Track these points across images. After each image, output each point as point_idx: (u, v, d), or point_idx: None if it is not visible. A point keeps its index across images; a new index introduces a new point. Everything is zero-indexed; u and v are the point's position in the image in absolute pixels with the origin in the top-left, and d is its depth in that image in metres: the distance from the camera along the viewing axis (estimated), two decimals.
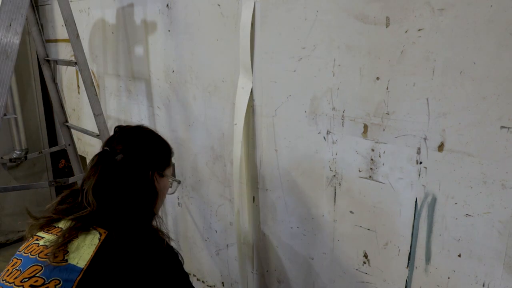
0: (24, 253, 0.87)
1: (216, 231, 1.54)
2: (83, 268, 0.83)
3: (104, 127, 1.64)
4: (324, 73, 1.02)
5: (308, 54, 1.05)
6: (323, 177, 1.10)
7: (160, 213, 1.03)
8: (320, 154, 1.09)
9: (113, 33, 1.85)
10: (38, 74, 2.50)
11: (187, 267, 1.87)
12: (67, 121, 2.04)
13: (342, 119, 1.02)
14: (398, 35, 0.87)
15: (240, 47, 1.22)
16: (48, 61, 2.07)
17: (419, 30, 0.84)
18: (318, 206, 1.13)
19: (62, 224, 0.90)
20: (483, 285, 0.85)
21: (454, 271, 0.89)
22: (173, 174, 1.69)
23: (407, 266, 0.97)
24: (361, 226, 1.04)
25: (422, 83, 0.85)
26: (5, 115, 1.95)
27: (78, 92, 2.29)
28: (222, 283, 1.58)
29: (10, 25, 1.43)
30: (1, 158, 2.38)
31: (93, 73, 2.01)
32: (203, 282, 1.69)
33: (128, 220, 0.91)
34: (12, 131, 2.36)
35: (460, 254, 0.87)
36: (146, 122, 1.75)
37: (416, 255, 0.95)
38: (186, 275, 0.96)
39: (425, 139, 0.87)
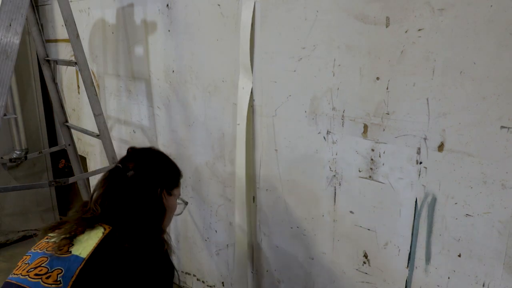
0: (34, 249, 0.93)
1: (216, 231, 1.54)
2: (84, 258, 0.87)
3: (104, 127, 1.64)
4: (324, 73, 1.02)
5: (308, 54, 1.05)
6: (323, 177, 1.10)
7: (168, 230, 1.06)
8: (320, 154, 1.09)
9: (113, 33, 1.85)
10: (38, 74, 2.50)
11: (187, 267, 1.88)
12: (67, 121, 2.04)
13: (342, 119, 1.02)
14: (398, 35, 0.87)
15: (240, 47, 1.22)
16: (48, 61, 2.07)
17: (419, 30, 0.84)
18: (318, 206, 1.13)
19: (69, 225, 0.94)
20: (483, 285, 0.85)
21: (454, 271, 0.89)
22: None
23: (407, 266, 0.97)
24: (361, 226, 1.04)
25: (422, 83, 0.85)
26: (5, 115, 1.94)
27: (78, 92, 2.29)
28: (222, 283, 1.58)
29: (10, 25, 1.43)
30: (1, 158, 2.38)
31: (93, 73, 2.01)
32: (203, 282, 1.69)
33: (135, 222, 0.95)
34: (12, 131, 2.36)
35: (460, 254, 0.87)
36: (146, 122, 1.75)
37: (416, 255, 0.95)
38: None
39: (425, 139, 0.87)
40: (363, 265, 1.06)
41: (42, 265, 0.89)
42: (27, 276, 0.87)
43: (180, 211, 1.15)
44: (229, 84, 1.30)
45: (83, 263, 0.87)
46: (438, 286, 0.92)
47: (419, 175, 0.90)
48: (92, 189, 1.03)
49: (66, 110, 2.12)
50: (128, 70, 1.77)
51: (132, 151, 1.08)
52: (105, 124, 1.65)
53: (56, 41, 2.36)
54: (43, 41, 2.03)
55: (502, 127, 0.76)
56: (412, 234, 0.94)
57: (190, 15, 1.38)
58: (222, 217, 1.49)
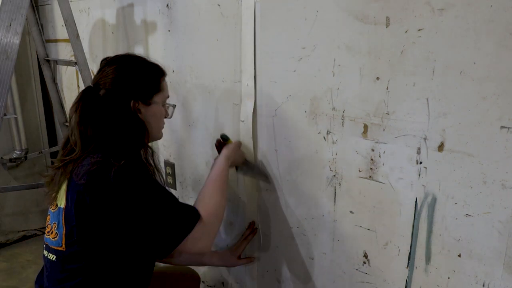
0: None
1: None
2: (63, 207, 0.95)
3: None
4: (324, 73, 1.02)
5: (308, 54, 1.05)
6: (323, 177, 1.10)
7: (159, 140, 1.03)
8: (320, 154, 1.09)
9: (113, 33, 1.85)
10: (38, 74, 2.50)
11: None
12: (67, 121, 2.04)
13: (342, 119, 1.02)
14: (398, 35, 0.87)
15: (241, 46, 1.22)
16: (48, 61, 2.07)
17: (419, 30, 0.84)
18: (318, 206, 1.13)
19: (53, 174, 1.00)
20: (483, 285, 0.85)
21: (454, 271, 0.89)
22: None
23: (407, 266, 0.97)
24: (361, 226, 1.04)
25: (422, 83, 0.85)
26: (5, 115, 1.95)
27: (78, 92, 2.29)
28: (222, 283, 1.58)
29: (10, 25, 1.43)
30: (1, 158, 2.38)
31: (93, 73, 2.01)
32: (203, 282, 1.69)
33: (110, 146, 0.93)
34: (12, 131, 2.37)
35: (460, 254, 0.87)
36: None
37: (416, 255, 0.95)
38: (162, 199, 0.94)
39: (425, 139, 0.87)
40: (363, 265, 1.06)
41: (48, 223, 1.01)
42: (46, 236, 1.01)
43: (170, 114, 1.11)
44: (229, 84, 1.30)
45: (63, 212, 0.94)
46: (438, 286, 0.92)
47: (419, 175, 0.90)
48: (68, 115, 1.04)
49: (66, 110, 2.12)
50: None
51: (105, 63, 1.02)
52: None
53: (56, 41, 2.36)
54: (43, 41, 2.03)
55: (502, 127, 0.76)
56: (412, 234, 0.94)
57: (190, 15, 1.38)
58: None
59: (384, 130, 0.94)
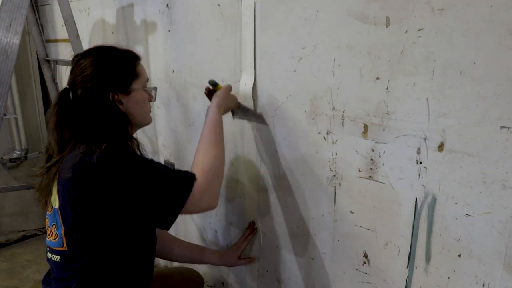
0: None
1: (216, 231, 1.54)
2: (57, 207, 0.95)
3: None
4: (324, 73, 1.02)
5: (308, 54, 1.05)
6: (323, 177, 1.10)
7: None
8: (320, 154, 1.09)
9: (113, 33, 1.85)
10: (38, 74, 2.50)
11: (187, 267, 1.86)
12: None
13: (342, 119, 1.02)
14: (398, 35, 0.87)
15: (241, 46, 1.22)
16: (48, 61, 2.07)
17: (419, 30, 0.84)
18: (318, 206, 1.13)
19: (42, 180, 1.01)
20: (483, 285, 0.85)
21: (454, 271, 0.89)
22: None
23: (407, 266, 0.97)
24: (361, 226, 1.04)
25: (422, 83, 0.85)
26: (5, 115, 1.94)
27: None
28: (222, 283, 1.58)
29: (10, 25, 1.43)
30: (1, 158, 2.38)
31: None
32: None
33: (94, 140, 0.92)
34: (12, 131, 2.37)
35: (460, 254, 0.87)
36: None
37: (416, 255, 0.95)
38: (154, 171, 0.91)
39: (425, 139, 0.87)
40: (363, 265, 1.06)
41: (47, 226, 1.01)
42: (47, 239, 1.00)
43: (154, 97, 1.09)
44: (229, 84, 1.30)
45: (59, 212, 0.94)
46: (438, 286, 0.92)
47: (419, 175, 0.90)
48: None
49: None
50: None
51: (76, 60, 1.00)
52: None
53: (56, 41, 2.36)
54: (43, 41, 2.03)
55: (502, 127, 0.76)
56: (412, 234, 0.94)
57: (190, 15, 1.38)
58: (222, 217, 1.49)
59: (384, 130, 0.94)
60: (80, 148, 0.91)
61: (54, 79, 2.08)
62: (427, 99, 0.85)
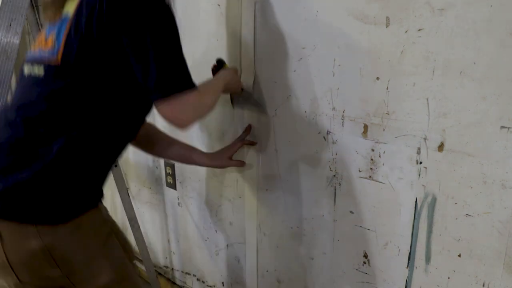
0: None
1: (216, 231, 1.54)
2: (70, 17, 0.89)
3: None
4: (324, 73, 1.02)
5: (308, 54, 1.05)
6: (323, 177, 1.10)
7: None
8: (320, 154, 1.09)
9: None
10: None
11: (187, 267, 1.88)
12: None
13: (342, 119, 1.02)
14: (398, 35, 0.87)
15: (241, 46, 1.22)
16: None
17: (419, 30, 0.84)
18: (318, 206, 1.13)
19: None
20: (483, 285, 0.85)
21: (454, 271, 0.89)
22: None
23: (407, 266, 0.97)
24: (361, 226, 1.04)
25: (422, 83, 0.85)
26: None
27: None
28: (222, 283, 1.58)
29: (10, 25, 1.43)
30: None
31: None
32: (203, 282, 1.69)
33: None
34: None
35: (460, 254, 0.87)
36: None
37: (416, 255, 0.95)
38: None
39: (425, 139, 0.87)
40: (363, 265, 1.06)
41: (40, 37, 0.94)
42: (33, 51, 0.94)
43: None
44: None
45: (70, 20, 0.88)
46: (438, 286, 0.92)
47: (419, 175, 0.90)
48: None
49: None
50: None
51: None
52: None
53: None
54: None
55: (502, 127, 0.76)
56: (412, 234, 0.94)
57: (190, 15, 1.38)
58: (222, 217, 1.49)
59: (384, 130, 0.94)
60: None
61: None
62: (427, 99, 0.85)
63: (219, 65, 1.18)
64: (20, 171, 0.85)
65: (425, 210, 0.91)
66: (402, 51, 0.87)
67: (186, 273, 1.79)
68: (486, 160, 0.80)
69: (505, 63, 0.74)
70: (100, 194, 1.00)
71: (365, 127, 0.97)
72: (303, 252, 1.21)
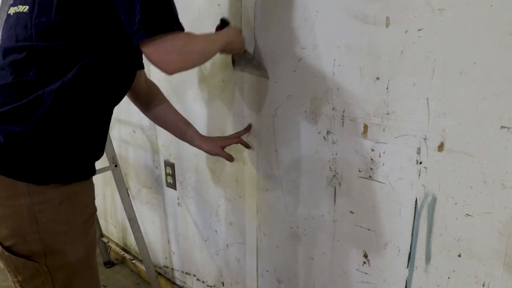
0: None
1: (216, 231, 1.54)
2: None
3: None
4: (324, 73, 1.02)
5: (308, 54, 1.05)
6: (323, 177, 1.10)
7: None
8: (320, 154, 1.09)
9: None
10: None
11: (187, 267, 1.88)
12: None
13: (342, 119, 1.02)
14: (398, 35, 0.87)
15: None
16: None
17: (419, 30, 0.84)
18: (318, 206, 1.13)
19: None
20: (483, 285, 0.85)
21: (454, 271, 0.89)
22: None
23: (407, 266, 0.97)
24: (361, 226, 1.04)
25: (422, 83, 0.85)
26: None
27: None
28: (222, 283, 1.58)
29: None
30: None
31: None
32: (203, 282, 1.69)
33: None
34: None
35: (460, 254, 0.87)
36: (146, 122, 1.75)
37: (416, 255, 0.95)
38: None
39: (425, 139, 0.87)
40: (363, 265, 1.06)
41: None
42: None
43: None
44: (229, 84, 1.30)
45: None
46: (438, 286, 0.92)
47: (419, 175, 0.90)
48: None
49: None
50: None
51: None
52: None
53: None
54: None
55: (502, 127, 0.76)
56: (412, 234, 0.94)
57: (190, 15, 1.38)
58: (222, 217, 1.49)
59: (384, 130, 0.94)
60: None
61: None
62: (427, 99, 0.85)
63: (223, 25, 1.14)
64: (16, 122, 0.85)
65: (425, 210, 0.91)
66: (402, 51, 0.87)
67: (186, 273, 1.79)
68: (486, 160, 0.80)
69: (505, 63, 0.74)
70: (92, 168, 1.00)
71: (365, 127, 0.97)
72: (303, 252, 1.21)
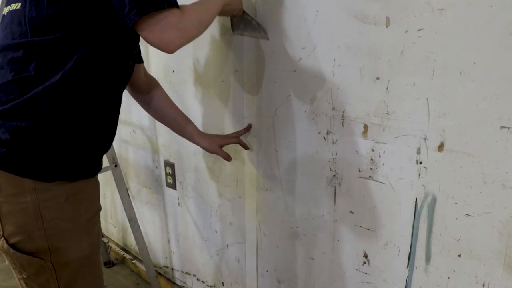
0: None
1: (216, 231, 1.54)
2: None
3: None
4: (324, 73, 1.02)
5: (308, 54, 1.05)
6: (323, 177, 1.10)
7: None
8: (320, 154, 1.09)
9: None
10: None
11: (187, 267, 1.88)
12: None
13: (342, 119, 1.02)
14: (398, 35, 0.87)
15: (242, 46, 1.22)
16: None
17: (419, 30, 0.84)
18: (318, 206, 1.13)
19: None
20: (483, 285, 0.85)
21: (454, 271, 0.89)
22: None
23: (407, 266, 0.97)
24: (361, 226, 1.04)
25: (422, 83, 0.85)
26: None
27: None
28: (222, 283, 1.58)
29: None
30: None
31: None
32: (203, 282, 1.69)
33: None
34: None
35: (460, 254, 0.87)
36: (146, 122, 1.75)
37: (416, 255, 0.95)
38: None
39: (425, 139, 0.87)
40: (363, 265, 1.06)
41: None
42: None
43: None
44: (229, 84, 1.30)
45: None
46: (438, 286, 0.92)
47: (419, 175, 0.90)
48: None
49: None
50: None
51: None
52: None
53: None
54: None
55: (502, 127, 0.76)
56: (412, 234, 0.94)
57: None
58: (222, 217, 1.49)
59: (384, 130, 0.94)
60: None
61: None
62: (427, 99, 0.85)
63: None
64: (20, 118, 0.85)
65: (425, 210, 0.91)
66: (402, 51, 0.87)
67: (186, 273, 1.79)
68: (486, 160, 0.80)
69: (505, 63, 0.74)
70: (99, 163, 1.00)
71: (365, 127, 0.97)
72: (303, 252, 1.21)
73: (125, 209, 1.72)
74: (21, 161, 0.86)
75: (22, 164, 0.86)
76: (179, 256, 1.81)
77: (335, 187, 1.08)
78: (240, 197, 1.38)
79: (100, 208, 1.02)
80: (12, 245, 0.89)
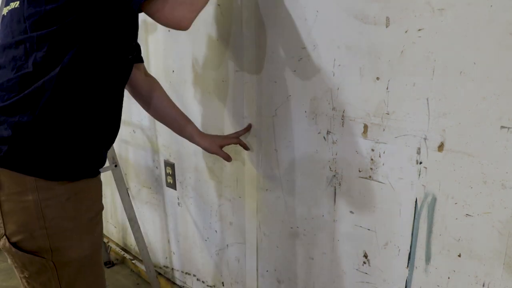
0: None
1: (216, 231, 1.54)
2: None
3: None
4: (324, 73, 1.02)
5: (308, 54, 1.05)
6: (323, 177, 1.10)
7: None
8: (320, 154, 1.09)
9: None
10: None
11: (187, 267, 1.88)
12: None
13: (342, 119, 1.02)
14: (398, 35, 0.87)
15: (242, 46, 1.22)
16: None
17: (419, 30, 0.84)
18: (318, 206, 1.13)
19: None
20: (483, 285, 0.85)
21: (454, 271, 0.89)
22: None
23: (407, 266, 0.97)
24: (361, 226, 1.04)
25: (422, 83, 0.85)
26: None
27: None
28: (222, 283, 1.58)
29: None
30: None
31: None
32: (203, 282, 1.69)
33: None
34: None
35: (460, 254, 0.87)
36: (146, 122, 1.75)
37: (416, 255, 0.95)
38: None
39: (425, 139, 0.87)
40: (363, 265, 1.06)
41: None
42: None
43: None
44: (229, 84, 1.30)
45: None
46: (438, 286, 0.92)
47: (419, 175, 0.90)
48: None
49: None
50: None
51: None
52: None
53: None
54: None
55: (502, 127, 0.76)
56: (412, 234, 0.94)
57: None
58: (222, 217, 1.49)
59: (384, 130, 0.94)
60: None
61: None
62: (427, 99, 0.85)
63: None
64: (21, 113, 0.85)
65: (425, 210, 0.91)
66: (402, 51, 0.87)
67: (186, 273, 1.79)
68: (486, 160, 0.80)
69: (505, 63, 0.74)
70: (101, 160, 1.00)
71: (365, 127, 0.97)
72: (303, 252, 1.21)
73: (125, 209, 1.72)
74: (23, 158, 0.86)
75: (24, 161, 0.86)
76: (179, 256, 1.81)
77: (335, 187, 1.08)
78: (240, 197, 1.38)
79: (102, 208, 1.02)
80: (13, 244, 0.89)
